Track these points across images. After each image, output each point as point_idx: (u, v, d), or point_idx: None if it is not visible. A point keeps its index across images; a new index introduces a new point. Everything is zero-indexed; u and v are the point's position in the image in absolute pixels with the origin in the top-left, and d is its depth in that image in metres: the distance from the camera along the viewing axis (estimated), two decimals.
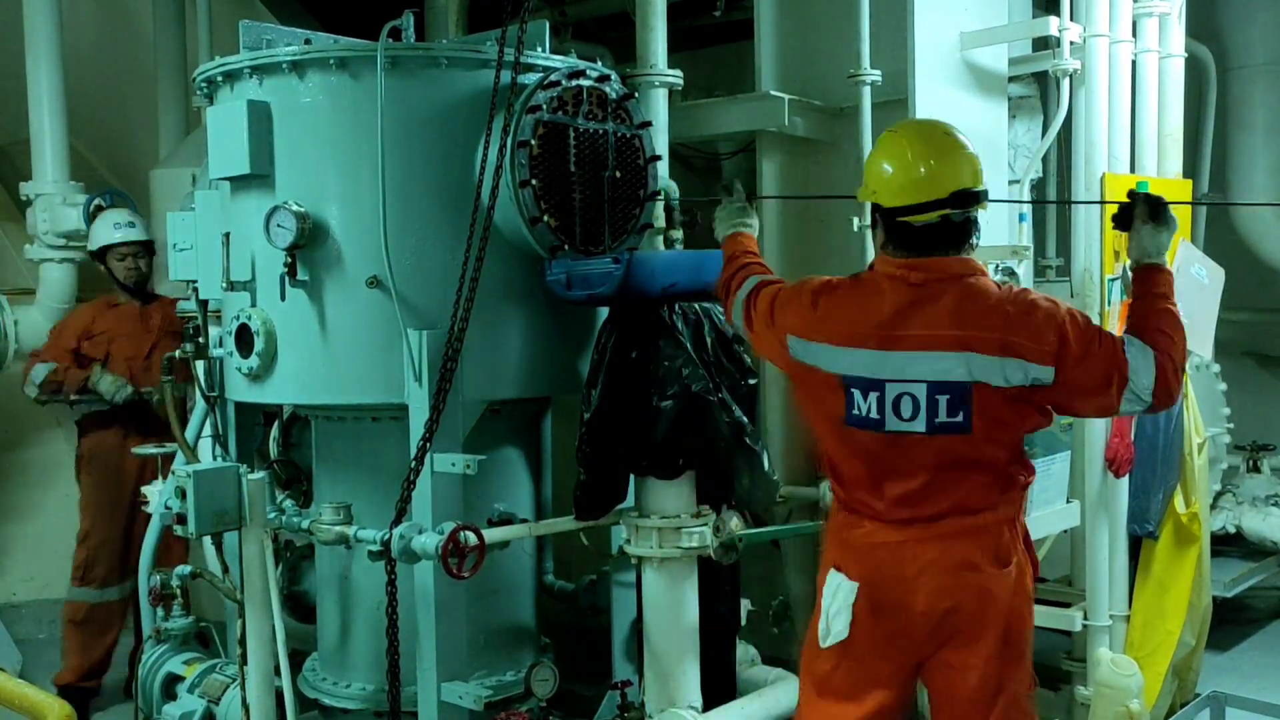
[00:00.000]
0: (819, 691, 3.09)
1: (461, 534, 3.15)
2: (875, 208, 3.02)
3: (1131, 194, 3.13)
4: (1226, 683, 4.92)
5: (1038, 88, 5.56)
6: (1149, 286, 3.13)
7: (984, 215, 4.73)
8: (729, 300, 3.28)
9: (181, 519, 3.29)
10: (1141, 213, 3.08)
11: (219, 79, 3.66)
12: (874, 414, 2.92)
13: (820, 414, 3.04)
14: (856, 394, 2.93)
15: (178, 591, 4.14)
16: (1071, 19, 4.66)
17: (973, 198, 2.95)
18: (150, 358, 5.41)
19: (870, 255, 4.32)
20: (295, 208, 3.36)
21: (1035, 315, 2.91)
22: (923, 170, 2.94)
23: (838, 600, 2.99)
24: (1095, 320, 4.63)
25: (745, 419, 3.47)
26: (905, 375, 2.90)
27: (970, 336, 2.87)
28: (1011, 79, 4.97)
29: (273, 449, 4.15)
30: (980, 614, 2.97)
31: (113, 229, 5.53)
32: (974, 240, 3.03)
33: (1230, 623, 6.29)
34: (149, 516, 4.33)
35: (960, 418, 2.88)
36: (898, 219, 2.95)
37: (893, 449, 2.93)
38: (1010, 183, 4.90)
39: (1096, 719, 4.43)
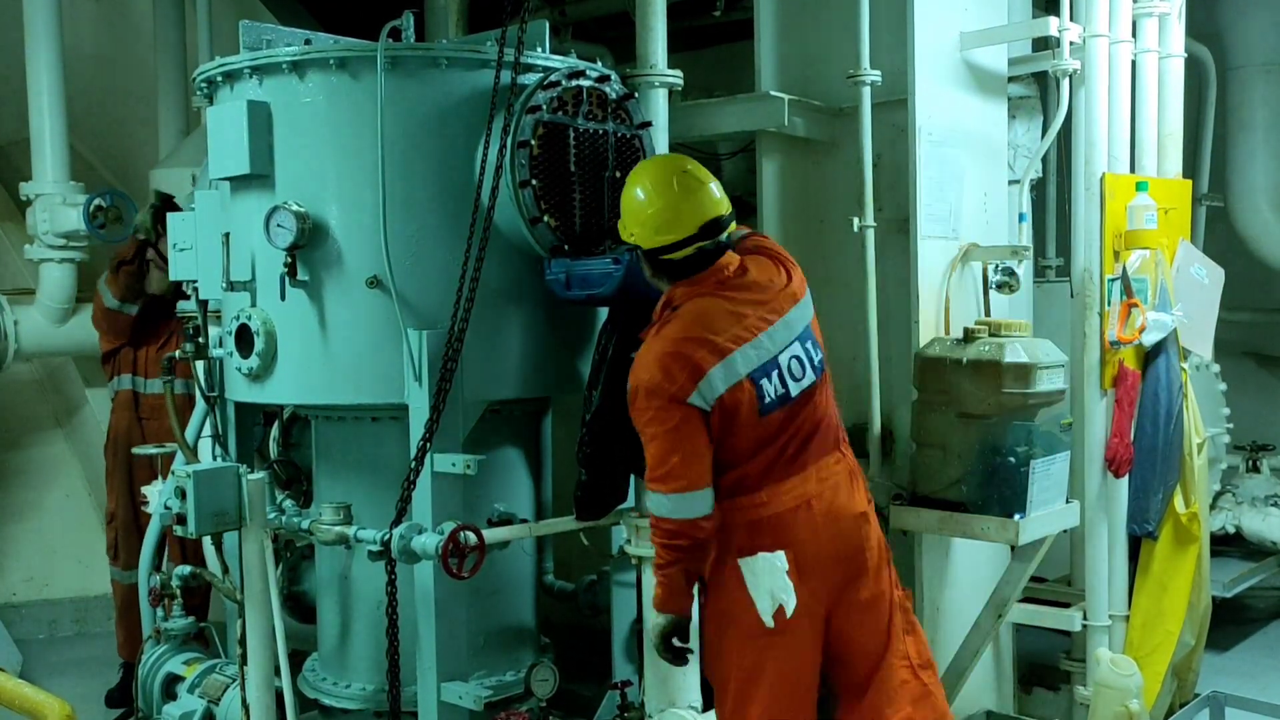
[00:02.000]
0: (758, 681, 3.11)
1: (461, 534, 3.15)
2: (644, 256, 3.17)
3: None
4: (1226, 683, 4.93)
5: (1038, 88, 5.56)
6: None
7: (984, 215, 4.79)
8: (655, 535, 3.08)
9: (181, 519, 3.29)
10: None
11: (219, 79, 3.66)
12: (779, 390, 3.09)
13: (736, 429, 3.06)
14: (763, 383, 3.07)
15: (177, 591, 4.14)
16: (1071, 19, 4.66)
17: (720, 226, 3.15)
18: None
19: (870, 256, 4.34)
20: (295, 208, 3.36)
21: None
22: (670, 214, 3.11)
23: (774, 576, 3.05)
24: (1095, 320, 4.64)
25: None
26: (787, 340, 3.13)
27: (797, 281, 3.23)
28: (1011, 79, 4.97)
29: (273, 449, 4.15)
30: (877, 543, 3.22)
31: None
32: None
33: (1230, 623, 6.29)
34: None
35: (820, 355, 3.22)
36: (661, 257, 3.13)
37: (799, 411, 3.13)
38: (1010, 183, 4.90)
39: (1096, 719, 4.43)
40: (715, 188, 3.19)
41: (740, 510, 3.12)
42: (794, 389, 3.12)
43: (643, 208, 3.13)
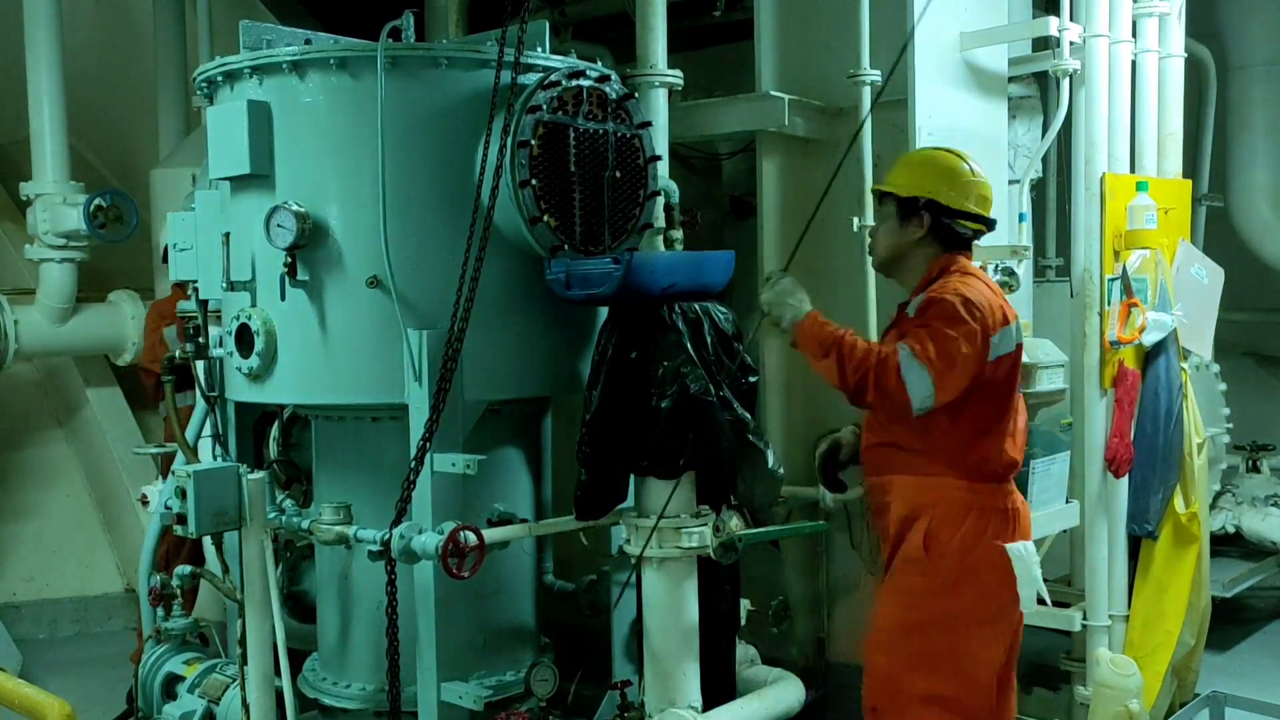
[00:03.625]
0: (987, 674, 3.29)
1: (461, 534, 3.15)
2: (928, 207, 3.39)
3: None
4: (1226, 683, 4.93)
5: (1038, 88, 5.57)
6: None
7: None
8: (889, 379, 3.17)
9: (181, 519, 3.29)
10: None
11: (219, 79, 3.66)
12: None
13: (1002, 394, 3.30)
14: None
15: (178, 591, 4.14)
16: (1071, 19, 4.66)
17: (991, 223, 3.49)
18: None
19: (869, 256, 4.33)
20: (295, 208, 3.36)
21: None
22: (985, 192, 3.45)
23: (1033, 566, 3.23)
24: (1095, 320, 4.64)
25: (748, 415, 3.48)
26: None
27: None
28: (1011, 79, 4.97)
29: (273, 449, 4.15)
30: None
31: None
32: None
33: (1230, 623, 6.29)
34: None
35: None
36: (958, 222, 3.41)
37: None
38: (1010, 183, 4.90)
39: (1096, 719, 4.43)
40: None
41: (992, 495, 3.27)
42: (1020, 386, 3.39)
43: (967, 175, 3.43)
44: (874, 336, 4.41)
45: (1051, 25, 4.57)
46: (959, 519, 3.27)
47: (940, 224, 3.41)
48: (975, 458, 3.30)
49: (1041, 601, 3.30)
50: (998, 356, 3.25)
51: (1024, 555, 3.25)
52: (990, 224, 3.50)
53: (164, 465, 4.51)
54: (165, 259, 5.72)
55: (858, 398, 3.25)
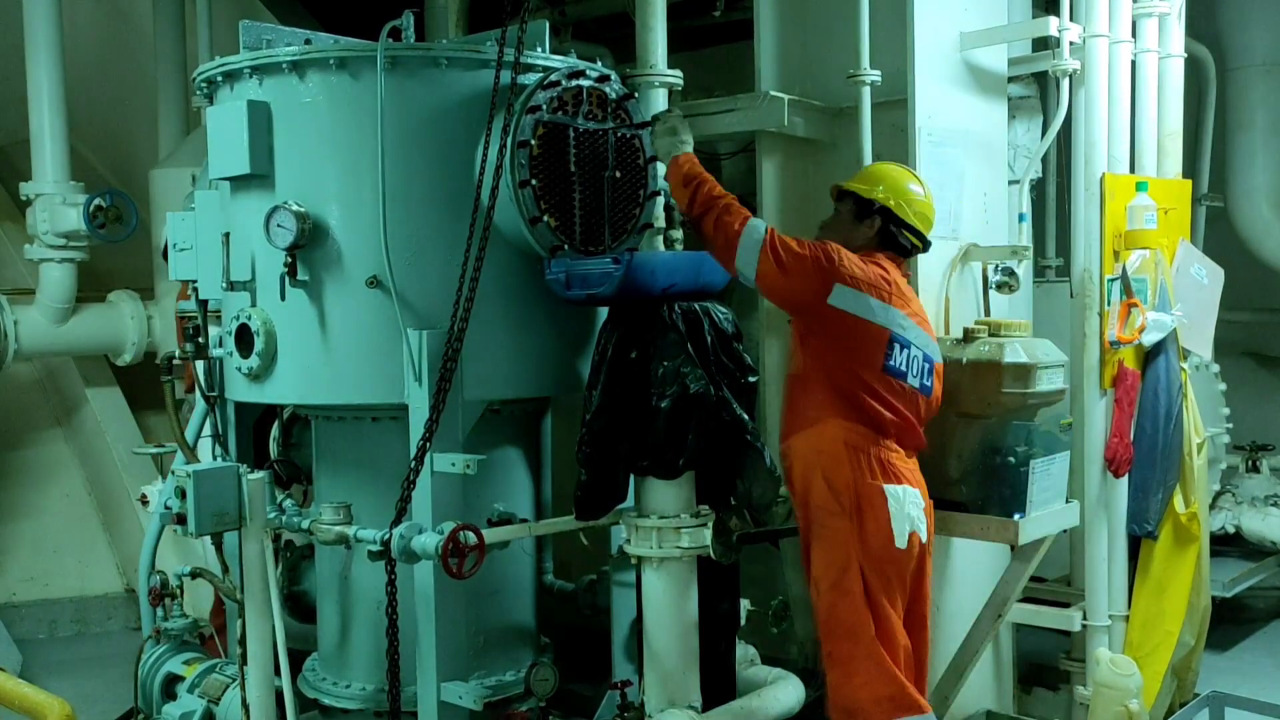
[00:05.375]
0: (882, 594, 3.55)
1: (461, 534, 3.15)
2: (880, 212, 3.76)
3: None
4: (1226, 682, 4.93)
5: (1037, 88, 5.57)
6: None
7: (984, 215, 4.80)
8: (727, 235, 3.46)
9: (181, 519, 3.29)
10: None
11: (219, 79, 3.66)
12: (901, 367, 3.61)
13: (856, 359, 3.59)
14: (896, 348, 3.59)
15: (177, 591, 4.14)
16: (1071, 19, 4.66)
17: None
18: None
19: None
20: (295, 208, 3.36)
21: None
22: (929, 213, 3.83)
23: (908, 504, 3.57)
24: (1095, 320, 4.64)
25: (746, 416, 3.48)
26: (915, 341, 3.65)
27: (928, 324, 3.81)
28: (1011, 79, 4.97)
29: (273, 449, 4.15)
30: None
31: None
32: None
33: (1229, 623, 6.30)
34: None
35: (932, 380, 3.74)
36: (902, 231, 3.76)
37: (904, 398, 3.63)
38: (1010, 183, 4.90)
39: (1096, 719, 4.43)
40: None
41: (876, 445, 3.58)
42: (914, 381, 3.64)
43: (918, 194, 3.81)
44: None
45: (1051, 25, 4.57)
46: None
47: (887, 230, 3.76)
48: (863, 410, 3.59)
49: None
50: (841, 309, 3.50)
51: (899, 494, 3.57)
52: (926, 245, 3.84)
53: (164, 465, 4.51)
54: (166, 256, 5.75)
55: (698, 226, 3.53)
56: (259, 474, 3.44)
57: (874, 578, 3.55)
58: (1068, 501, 4.13)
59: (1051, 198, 7.30)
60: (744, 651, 4.05)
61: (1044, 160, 5.36)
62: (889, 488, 3.56)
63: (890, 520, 3.54)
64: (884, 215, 3.76)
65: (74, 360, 7.00)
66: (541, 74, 3.48)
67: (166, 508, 3.57)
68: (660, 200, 3.87)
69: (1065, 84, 4.73)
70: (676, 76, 4.19)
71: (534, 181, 3.38)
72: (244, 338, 3.57)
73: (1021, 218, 4.76)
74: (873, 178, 3.86)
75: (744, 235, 3.45)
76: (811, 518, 3.62)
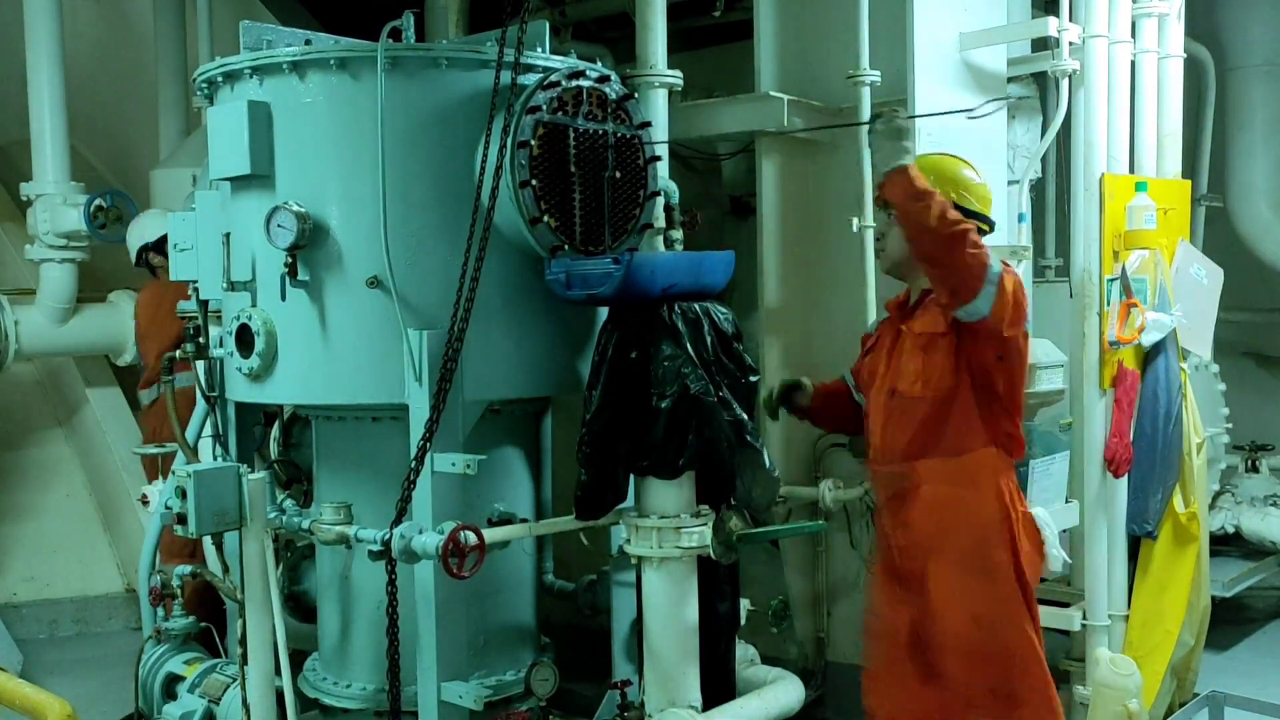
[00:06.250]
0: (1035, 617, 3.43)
1: (461, 534, 3.15)
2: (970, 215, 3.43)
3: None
4: (1225, 682, 4.92)
5: (1037, 88, 5.57)
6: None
7: None
8: (980, 266, 3.23)
9: (182, 519, 3.29)
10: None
11: (219, 79, 3.66)
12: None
13: (1022, 386, 3.48)
14: None
15: (178, 591, 4.14)
16: (1070, 19, 4.66)
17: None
18: None
19: (870, 256, 4.34)
20: (295, 208, 3.36)
21: None
22: (987, 194, 3.60)
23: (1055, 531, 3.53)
24: (1094, 320, 4.64)
25: (746, 416, 3.48)
26: None
27: None
28: (1011, 79, 4.98)
29: (273, 449, 4.15)
30: None
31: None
32: None
33: (1229, 623, 6.29)
34: None
35: None
36: (981, 227, 3.45)
37: None
38: (1010, 183, 4.90)
39: (1095, 719, 4.43)
40: None
41: (1011, 470, 3.46)
42: None
43: (972, 178, 3.58)
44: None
45: (1051, 26, 4.57)
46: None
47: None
48: (1005, 436, 3.45)
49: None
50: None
51: (1046, 519, 3.48)
52: (992, 225, 3.59)
53: (164, 466, 4.51)
54: (138, 262, 5.75)
55: (938, 244, 3.24)
56: (259, 474, 3.44)
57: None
58: (1067, 501, 4.14)
59: (1051, 198, 7.30)
60: (744, 651, 4.05)
61: (1043, 160, 5.37)
62: (1036, 511, 3.47)
63: (1045, 545, 3.46)
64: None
65: (74, 360, 7.00)
66: (541, 74, 3.48)
67: (167, 508, 3.57)
68: (660, 200, 3.87)
69: (1064, 84, 4.73)
70: (676, 76, 4.20)
71: (534, 182, 3.38)
72: (244, 338, 3.57)
73: (1021, 218, 4.76)
74: (922, 175, 3.52)
75: (989, 270, 3.25)
76: (970, 549, 3.38)
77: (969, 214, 3.42)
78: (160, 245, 5.64)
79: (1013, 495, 3.42)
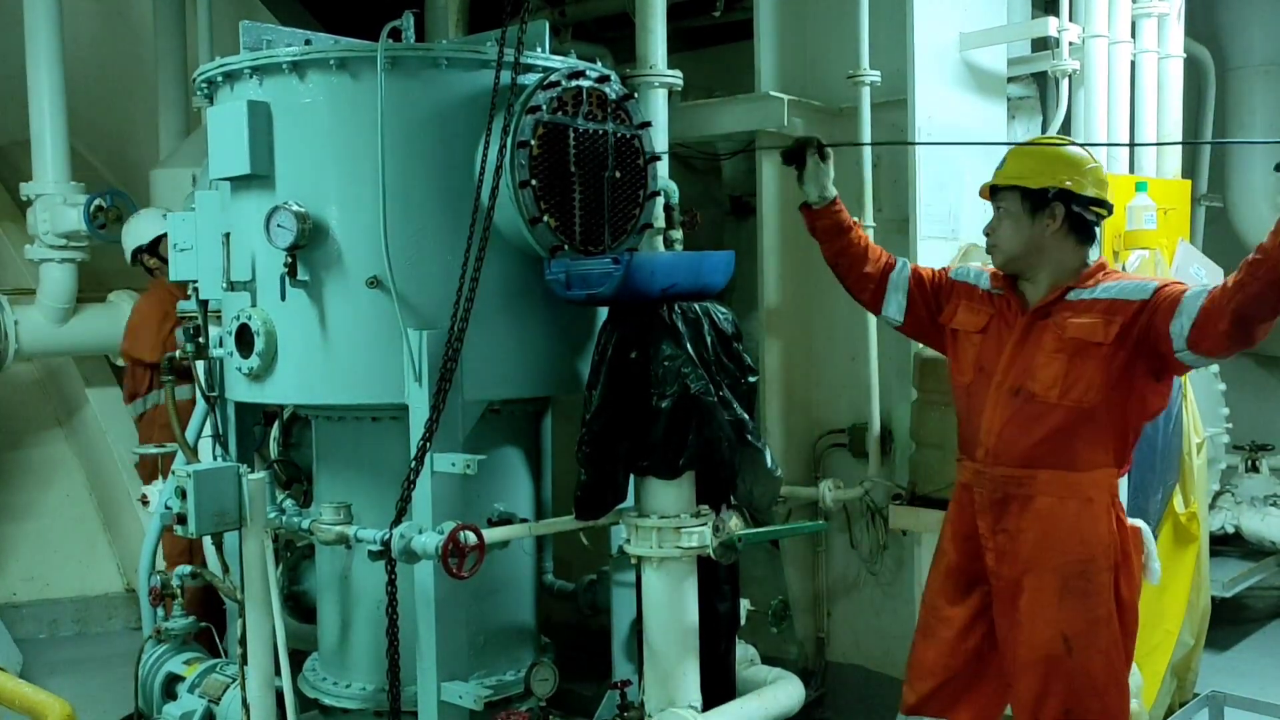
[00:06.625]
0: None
1: (461, 534, 3.15)
2: (1059, 196, 3.28)
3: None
4: (1225, 682, 4.92)
5: (1037, 88, 5.57)
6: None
7: (984, 215, 4.76)
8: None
9: (182, 519, 3.29)
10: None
11: (219, 79, 3.66)
12: None
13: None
14: None
15: (178, 591, 4.14)
16: (1070, 20, 4.67)
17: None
18: None
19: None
20: (295, 208, 3.36)
21: None
22: (1104, 176, 3.36)
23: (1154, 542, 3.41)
24: None
25: (746, 416, 3.48)
26: None
27: None
28: (1010, 79, 4.98)
29: (273, 449, 4.15)
30: None
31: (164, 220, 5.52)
32: None
33: (1229, 623, 6.29)
34: None
35: None
36: (1091, 209, 3.31)
37: None
38: None
39: None
40: None
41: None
42: None
43: (1089, 161, 3.34)
44: (874, 336, 4.41)
45: (1051, 26, 4.58)
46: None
47: (1072, 213, 3.28)
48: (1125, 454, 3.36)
49: None
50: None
51: (1150, 537, 3.42)
52: (1110, 210, 3.37)
53: (163, 466, 4.51)
54: (134, 261, 5.75)
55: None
56: (259, 474, 3.44)
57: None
58: None
59: None
60: (744, 651, 4.05)
61: None
62: (1138, 523, 3.35)
63: (1147, 559, 3.35)
64: (1064, 198, 3.28)
65: (74, 360, 7.00)
66: (541, 74, 3.48)
67: (167, 508, 3.57)
68: (660, 200, 3.87)
69: (1064, 84, 4.74)
70: (676, 77, 4.20)
71: (534, 181, 3.38)
72: (244, 338, 3.57)
73: None
74: (1035, 160, 3.37)
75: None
76: (1075, 569, 3.21)
77: (1085, 201, 3.28)
78: (154, 247, 5.64)
79: (1121, 515, 3.28)
